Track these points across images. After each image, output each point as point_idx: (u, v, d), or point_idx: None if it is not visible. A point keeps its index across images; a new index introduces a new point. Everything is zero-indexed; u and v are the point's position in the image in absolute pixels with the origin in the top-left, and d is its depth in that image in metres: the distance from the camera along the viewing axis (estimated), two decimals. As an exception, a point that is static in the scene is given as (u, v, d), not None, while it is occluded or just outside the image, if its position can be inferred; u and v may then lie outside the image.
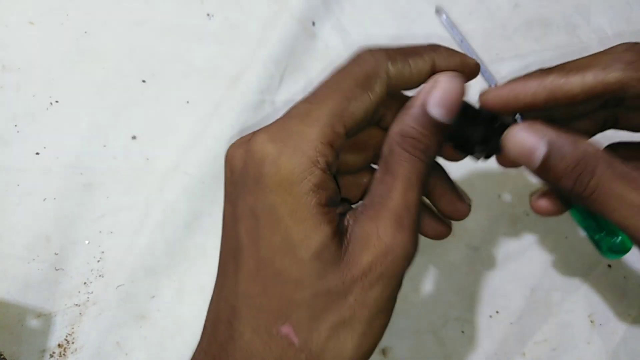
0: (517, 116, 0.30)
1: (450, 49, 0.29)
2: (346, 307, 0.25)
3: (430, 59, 0.28)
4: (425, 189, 0.27)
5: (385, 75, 0.26)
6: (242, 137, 0.27)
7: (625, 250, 0.31)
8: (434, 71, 0.28)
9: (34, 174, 0.42)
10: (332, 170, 0.26)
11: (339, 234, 0.26)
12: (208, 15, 0.48)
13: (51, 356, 0.39)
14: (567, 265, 0.44)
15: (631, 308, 0.44)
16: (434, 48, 0.28)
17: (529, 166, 0.27)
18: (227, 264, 0.27)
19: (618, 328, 0.43)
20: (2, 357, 0.38)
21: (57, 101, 0.44)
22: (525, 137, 0.27)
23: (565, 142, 0.26)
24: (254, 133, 0.27)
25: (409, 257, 0.26)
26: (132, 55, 0.46)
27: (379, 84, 0.26)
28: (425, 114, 0.26)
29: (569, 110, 0.31)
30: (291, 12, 0.48)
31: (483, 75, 0.32)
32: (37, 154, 0.43)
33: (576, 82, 0.27)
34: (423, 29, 0.50)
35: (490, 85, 0.31)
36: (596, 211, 0.26)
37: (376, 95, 0.26)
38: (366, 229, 0.25)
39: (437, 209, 0.32)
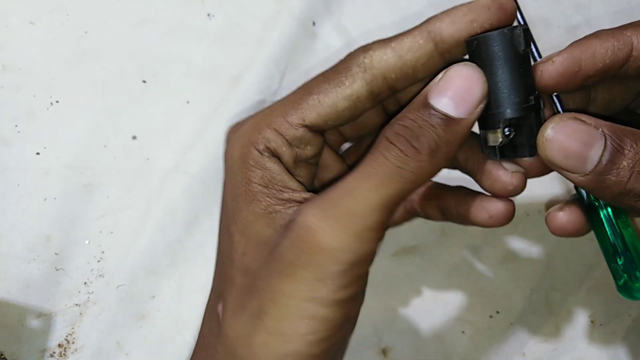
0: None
1: (453, 8, 0.23)
2: (265, 297, 0.23)
3: (422, 30, 0.23)
4: (407, 194, 0.22)
5: (356, 67, 0.24)
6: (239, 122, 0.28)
7: None
8: (436, 42, 0.23)
9: (35, 174, 0.43)
10: (283, 157, 0.25)
11: (276, 218, 0.24)
12: (208, 15, 0.48)
13: (51, 356, 0.39)
14: (567, 265, 0.44)
15: (631, 308, 0.44)
16: (429, 19, 0.24)
17: (577, 172, 0.21)
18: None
19: (618, 328, 0.43)
20: (3, 357, 0.38)
21: (57, 101, 0.44)
22: (577, 129, 0.21)
23: (627, 133, 0.21)
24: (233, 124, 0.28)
25: (331, 252, 0.22)
26: (132, 55, 0.46)
27: (350, 78, 0.24)
28: (425, 104, 0.22)
29: (614, 94, 0.26)
30: (291, 12, 0.48)
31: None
32: (38, 154, 0.43)
33: None
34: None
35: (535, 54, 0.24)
36: None
37: (346, 88, 0.24)
38: (304, 219, 0.22)
39: (482, 186, 0.27)
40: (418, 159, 0.22)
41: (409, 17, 0.51)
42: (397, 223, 0.34)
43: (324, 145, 0.28)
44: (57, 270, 0.41)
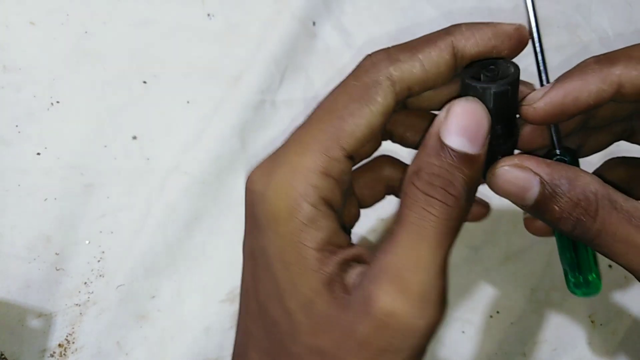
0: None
1: (473, 23, 0.24)
2: None
3: (448, 44, 0.23)
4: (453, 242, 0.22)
5: (387, 81, 0.23)
6: (259, 164, 0.25)
7: (592, 291, 0.29)
8: (457, 58, 0.23)
9: (35, 174, 0.43)
10: (335, 204, 0.23)
11: (335, 290, 0.22)
12: (209, 15, 0.48)
13: (51, 356, 0.40)
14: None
15: (632, 308, 0.44)
16: (450, 30, 0.24)
17: (520, 206, 0.24)
18: (242, 300, 0.26)
19: (618, 328, 0.43)
20: (3, 356, 0.38)
21: (58, 102, 0.44)
22: (515, 176, 0.23)
23: (562, 180, 0.22)
24: (254, 167, 0.24)
25: (417, 332, 0.21)
26: (132, 55, 0.46)
27: (381, 93, 0.23)
28: (442, 145, 0.22)
29: (616, 110, 0.26)
30: (292, 12, 0.48)
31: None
32: (38, 154, 0.43)
33: None
34: (424, 29, 0.50)
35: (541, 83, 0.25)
36: (600, 252, 0.23)
37: (379, 106, 0.23)
38: (365, 292, 0.21)
39: None
40: (458, 205, 0.22)
41: (409, 17, 0.51)
42: (376, 201, 0.32)
43: None
44: (57, 270, 0.41)
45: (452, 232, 0.22)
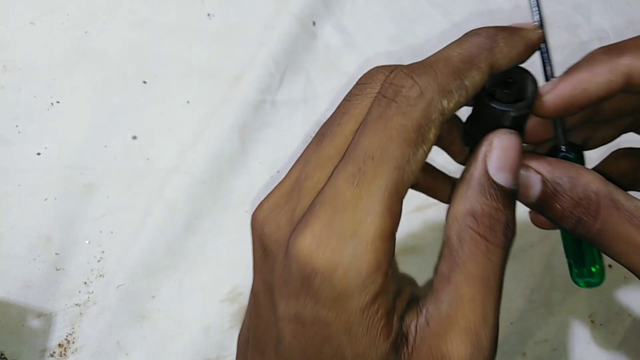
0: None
1: (505, 33, 0.22)
2: None
3: (488, 66, 0.21)
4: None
5: (440, 117, 0.20)
6: (270, 201, 0.23)
7: (595, 283, 0.29)
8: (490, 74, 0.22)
9: (35, 174, 0.43)
10: (394, 265, 0.21)
11: (399, 345, 0.21)
12: (208, 15, 0.49)
13: (51, 356, 0.40)
14: (567, 265, 0.44)
15: (631, 308, 0.44)
16: (487, 45, 0.22)
17: (524, 203, 0.24)
18: (266, 347, 0.24)
19: (618, 328, 0.43)
20: (3, 356, 0.38)
21: (58, 101, 0.44)
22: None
23: (564, 179, 0.22)
24: (296, 227, 0.21)
25: None
26: (132, 55, 0.46)
27: (434, 131, 0.21)
28: (492, 184, 0.21)
29: (623, 103, 0.26)
30: (292, 11, 0.48)
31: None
32: (38, 154, 0.43)
33: None
34: (423, 29, 0.50)
35: (546, 74, 0.25)
36: (601, 250, 0.23)
37: (431, 143, 0.21)
38: (434, 347, 0.20)
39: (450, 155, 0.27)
40: (505, 245, 0.21)
41: (409, 17, 0.51)
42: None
43: None
44: (57, 270, 0.41)
45: (501, 274, 0.21)
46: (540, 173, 0.23)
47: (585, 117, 0.27)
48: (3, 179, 0.42)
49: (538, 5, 0.24)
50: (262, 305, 0.23)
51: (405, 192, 0.21)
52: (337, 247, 0.20)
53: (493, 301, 0.21)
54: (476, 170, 0.21)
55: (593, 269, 0.29)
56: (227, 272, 0.43)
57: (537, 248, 0.45)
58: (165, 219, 0.42)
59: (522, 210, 0.46)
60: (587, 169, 0.23)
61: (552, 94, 0.23)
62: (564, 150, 0.26)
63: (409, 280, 0.44)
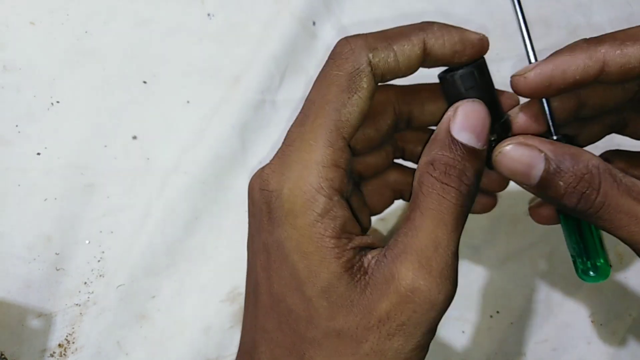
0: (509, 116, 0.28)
1: (444, 24, 0.26)
2: (361, 355, 0.23)
3: (420, 41, 0.25)
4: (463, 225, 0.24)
5: (368, 67, 0.24)
6: (261, 167, 0.26)
7: (601, 277, 0.29)
8: (426, 54, 0.25)
9: (35, 174, 0.43)
10: (345, 193, 0.24)
11: (354, 272, 0.23)
12: (208, 15, 0.48)
13: (51, 356, 0.40)
14: (567, 265, 0.44)
15: (631, 308, 0.44)
16: (423, 27, 0.26)
17: (525, 184, 0.25)
18: (249, 297, 0.27)
19: (618, 328, 0.43)
20: (3, 356, 0.39)
21: (58, 101, 0.44)
22: (521, 154, 0.24)
23: (566, 156, 0.24)
24: (263, 167, 0.26)
25: (436, 305, 0.23)
26: (132, 55, 0.46)
27: (365, 80, 0.25)
28: (453, 140, 0.24)
29: (606, 98, 0.27)
30: (292, 11, 0.48)
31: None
32: (38, 154, 0.43)
33: (636, 54, 0.23)
34: (423, 29, 0.50)
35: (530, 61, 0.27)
36: (602, 228, 0.24)
37: (365, 91, 0.25)
38: (386, 271, 0.23)
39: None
40: (469, 193, 0.24)
41: (409, 17, 0.51)
42: (385, 208, 0.35)
43: None
44: (57, 270, 0.41)
45: (464, 217, 0.24)
46: (543, 151, 0.24)
47: (572, 112, 0.28)
48: (3, 179, 0.42)
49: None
50: (248, 257, 0.27)
51: (350, 130, 0.24)
52: (285, 172, 0.24)
53: (447, 233, 0.23)
54: (440, 130, 0.25)
55: (598, 263, 0.29)
56: (227, 272, 0.43)
57: (537, 248, 0.45)
58: (165, 219, 0.42)
59: (522, 212, 0.46)
60: (586, 150, 0.24)
61: (534, 72, 0.25)
62: (558, 139, 0.27)
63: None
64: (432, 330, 0.24)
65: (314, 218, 0.23)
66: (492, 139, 0.26)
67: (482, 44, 0.26)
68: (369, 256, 0.24)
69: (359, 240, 0.24)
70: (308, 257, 0.24)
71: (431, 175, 0.24)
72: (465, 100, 0.25)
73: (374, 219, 0.43)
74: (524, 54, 0.48)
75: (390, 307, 0.23)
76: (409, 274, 0.23)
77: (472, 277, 0.44)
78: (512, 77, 0.26)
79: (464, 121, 0.24)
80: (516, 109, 0.28)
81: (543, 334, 0.43)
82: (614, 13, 0.52)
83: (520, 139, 0.25)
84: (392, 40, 0.25)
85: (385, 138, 0.30)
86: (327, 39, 0.49)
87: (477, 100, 0.25)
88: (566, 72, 0.24)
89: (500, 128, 0.27)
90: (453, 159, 0.24)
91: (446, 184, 0.24)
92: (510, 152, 0.25)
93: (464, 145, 0.24)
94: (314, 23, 0.49)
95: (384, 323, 0.23)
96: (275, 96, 0.47)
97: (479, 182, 0.25)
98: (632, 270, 0.44)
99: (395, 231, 0.25)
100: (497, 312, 0.43)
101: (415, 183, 0.24)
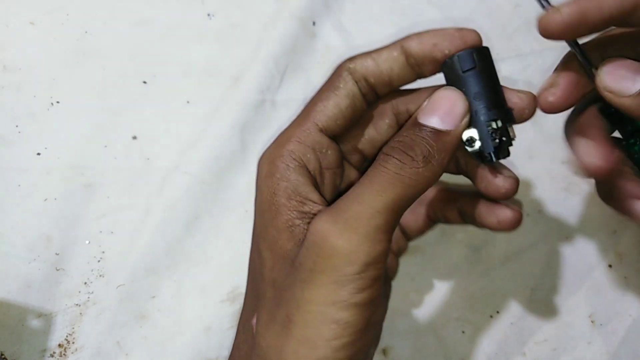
0: None
1: (426, 31, 0.28)
2: (285, 301, 0.25)
3: (396, 45, 0.27)
4: (406, 203, 0.25)
5: (345, 71, 0.27)
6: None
7: None
8: (407, 56, 0.27)
9: (35, 174, 0.43)
10: (310, 165, 0.27)
11: (295, 230, 0.25)
12: (208, 15, 0.48)
13: (52, 356, 0.40)
14: (567, 265, 0.44)
15: (632, 308, 0.44)
16: (403, 38, 0.28)
17: (623, 92, 0.25)
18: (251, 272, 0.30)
19: (619, 328, 0.43)
20: (3, 356, 0.39)
21: (58, 101, 0.44)
22: (627, 64, 0.25)
23: None
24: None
25: (340, 253, 0.24)
26: (132, 55, 0.46)
27: (342, 81, 0.27)
28: (415, 122, 0.26)
29: None
30: (292, 11, 0.48)
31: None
32: (38, 154, 0.43)
33: None
34: (423, 28, 0.50)
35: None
36: None
37: (341, 89, 0.27)
38: (316, 226, 0.25)
39: (479, 189, 0.30)
40: (414, 165, 0.25)
41: (409, 17, 0.51)
42: (421, 232, 0.36)
43: (346, 163, 0.30)
44: (57, 270, 0.41)
45: (402, 185, 0.24)
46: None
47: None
48: (3, 179, 0.42)
49: None
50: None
51: (324, 118, 0.27)
52: (270, 147, 0.28)
53: (371, 191, 0.24)
54: (411, 118, 0.26)
55: None
56: (227, 272, 0.43)
57: (537, 248, 0.45)
58: (165, 219, 0.42)
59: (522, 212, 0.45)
60: None
61: (570, 6, 0.23)
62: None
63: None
64: (345, 283, 0.24)
65: (273, 182, 0.26)
66: (490, 128, 0.26)
67: (462, 35, 0.26)
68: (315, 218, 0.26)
69: (311, 208, 0.26)
70: (262, 215, 0.27)
71: (382, 151, 0.26)
72: (438, 89, 0.27)
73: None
74: (523, 53, 0.48)
75: (302, 253, 0.24)
76: (318, 222, 0.24)
77: (472, 277, 0.44)
78: (541, 15, 0.25)
79: (431, 106, 0.26)
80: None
81: (543, 334, 0.43)
82: (614, 13, 0.52)
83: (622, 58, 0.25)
84: (372, 52, 0.28)
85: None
86: (327, 39, 0.49)
87: (451, 87, 0.26)
88: (602, 6, 0.23)
89: (502, 116, 0.27)
90: (406, 136, 0.25)
91: (388, 154, 0.25)
92: (619, 62, 0.25)
93: (426, 127, 0.25)
94: (314, 23, 0.49)
95: (298, 269, 0.24)
96: (275, 96, 0.47)
97: (439, 162, 0.25)
98: (632, 270, 0.44)
99: None
100: (497, 312, 0.43)
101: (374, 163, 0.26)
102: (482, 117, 0.27)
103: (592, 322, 0.43)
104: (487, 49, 0.27)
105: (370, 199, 0.24)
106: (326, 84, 0.28)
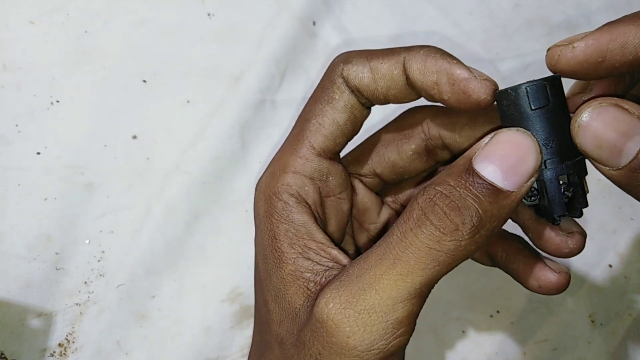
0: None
1: (436, 50, 0.22)
2: None
3: (399, 60, 0.22)
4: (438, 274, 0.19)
5: (340, 79, 0.23)
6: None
7: None
8: (407, 78, 0.22)
9: (35, 174, 0.43)
10: (310, 200, 0.23)
11: (307, 282, 0.22)
12: (209, 14, 0.48)
13: (52, 355, 0.40)
14: (567, 265, 0.44)
15: (631, 308, 0.44)
16: (410, 48, 0.23)
17: (607, 165, 0.18)
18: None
19: (618, 328, 0.43)
20: (3, 356, 0.39)
21: (58, 101, 0.44)
22: (614, 117, 0.18)
23: None
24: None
25: (348, 350, 0.20)
26: (132, 54, 0.46)
27: (337, 91, 0.23)
28: (469, 169, 0.18)
29: None
30: (292, 11, 0.48)
31: None
32: (38, 153, 0.43)
33: None
34: (423, 28, 0.50)
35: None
36: None
37: (337, 102, 0.23)
38: (324, 311, 0.20)
39: (537, 246, 0.24)
40: (456, 237, 0.18)
41: (409, 16, 0.51)
42: None
43: (360, 186, 0.27)
44: (57, 269, 0.41)
45: (435, 266, 0.19)
46: None
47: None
48: (3, 179, 0.42)
49: None
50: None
51: (320, 138, 0.24)
52: (264, 173, 0.25)
53: (394, 275, 0.18)
54: (462, 156, 0.19)
55: None
56: (227, 272, 0.43)
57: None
58: (165, 219, 0.42)
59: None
60: None
61: (586, 41, 0.19)
62: None
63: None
64: None
65: (273, 222, 0.23)
66: (561, 182, 0.20)
67: (468, 85, 0.20)
68: (329, 272, 0.22)
69: (319, 251, 0.23)
70: (265, 261, 0.23)
71: (416, 199, 0.19)
72: (506, 129, 0.19)
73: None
74: (524, 53, 0.48)
75: (309, 336, 0.21)
76: (329, 307, 0.20)
77: (472, 277, 0.44)
78: (552, 47, 0.19)
79: (493, 151, 0.18)
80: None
81: (543, 334, 0.43)
82: (614, 13, 0.52)
83: (615, 100, 0.18)
84: (371, 57, 0.23)
85: (416, 165, 0.26)
86: (327, 39, 0.49)
87: (523, 130, 0.19)
88: (626, 45, 0.18)
89: (578, 168, 0.21)
90: (453, 187, 0.18)
91: (425, 215, 0.18)
92: (602, 114, 0.18)
93: (481, 180, 0.18)
94: (314, 23, 0.49)
95: (304, 352, 0.21)
96: (275, 96, 0.47)
97: (487, 233, 0.19)
98: (632, 270, 0.44)
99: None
100: (497, 312, 0.43)
101: (406, 210, 0.20)
102: (553, 170, 0.20)
103: (592, 322, 0.43)
104: (559, 79, 0.21)
105: (391, 287, 0.19)
106: (320, 90, 0.24)
